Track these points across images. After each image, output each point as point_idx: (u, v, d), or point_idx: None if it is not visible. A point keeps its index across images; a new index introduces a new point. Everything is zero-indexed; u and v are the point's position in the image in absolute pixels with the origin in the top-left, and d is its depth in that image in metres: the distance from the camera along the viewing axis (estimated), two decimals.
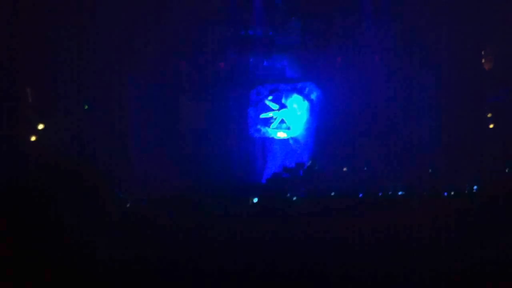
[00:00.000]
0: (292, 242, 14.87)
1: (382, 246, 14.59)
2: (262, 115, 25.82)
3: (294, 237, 15.19)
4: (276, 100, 25.96)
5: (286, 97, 25.93)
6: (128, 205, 18.68)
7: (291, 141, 25.67)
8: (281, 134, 25.86)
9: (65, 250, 11.69)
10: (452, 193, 19.46)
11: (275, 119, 25.78)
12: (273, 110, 25.80)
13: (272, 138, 25.83)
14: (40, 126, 23.39)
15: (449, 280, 12.44)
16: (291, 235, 15.27)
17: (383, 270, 13.13)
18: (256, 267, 13.12)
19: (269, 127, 25.77)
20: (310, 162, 24.40)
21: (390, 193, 19.97)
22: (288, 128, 25.80)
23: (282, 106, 25.87)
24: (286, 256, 13.78)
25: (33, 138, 23.16)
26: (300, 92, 25.81)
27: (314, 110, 25.68)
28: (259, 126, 25.86)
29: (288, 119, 25.85)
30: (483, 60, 25.08)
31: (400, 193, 20.06)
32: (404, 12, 24.57)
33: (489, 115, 24.70)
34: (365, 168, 23.71)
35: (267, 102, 25.78)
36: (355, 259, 13.67)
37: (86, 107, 24.14)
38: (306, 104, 25.76)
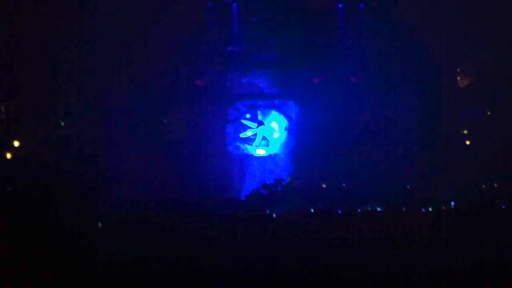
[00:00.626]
0: (272, 259, 14.87)
1: (361, 261, 14.67)
2: (242, 135, 25.86)
3: (274, 254, 15.20)
4: (254, 117, 26.03)
5: (264, 114, 26.01)
6: (100, 225, 18.50)
7: (268, 162, 25.74)
8: (260, 151, 25.89)
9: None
10: (430, 209, 19.59)
11: (256, 136, 25.84)
12: (250, 128, 25.86)
13: (251, 155, 25.88)
14: (16, 144, 23.26)
15: None
16: (271, 252, 15.28)
17: (363, 284, 13.24)
18: (236, 284, 13.13)
19: (249, 144, 25.81)
20: (288, 178, 24.47)
21: (368, 209, 20.07)
22: (267, 145, 25.87)
23: (260, 123, 25.93)
24: (266, 273, 13.80)
25: (8, 156, 23.02)
26: (278, 108, 25.91)
27: (293, 126, 25.80)
28: (238, 143, 25.89)
29: (267, 136, 25.93)
30: (458, 78, 25.44)
31: (378, 209, 20.16)
32: (381, 30, 24.88)
33: (464, 131, 25.03)
34: (344, 185, 23.86)
35: (244, 122, 25.82)
36: (336, 274, 13.76)
37: (62, 124, 24.05)
38: (284, 120, 25.87)
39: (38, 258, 11.28)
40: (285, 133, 25.83)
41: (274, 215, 19.75)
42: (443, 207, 20.35)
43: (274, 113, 25.96)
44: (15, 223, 12.19)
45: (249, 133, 25.87)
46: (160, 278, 12.62)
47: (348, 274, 13.63)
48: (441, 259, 14.33)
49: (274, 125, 25.95)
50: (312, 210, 20.12)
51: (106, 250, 13.03)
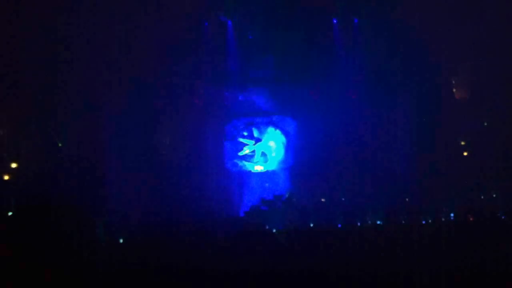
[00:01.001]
0: (272, 274, 14.89)
1: (362, 275, 14.69)
2: (240, 153, 25.90)
3: (274, 269, 15.21)
4: (252, 134, 26.08)
5: (262, 131, 26.05)
6: (103, 244, 18.51)
7: (266, 184, 25.75)
8: (259, 168, 25.91)
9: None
10: (430, 220, 19.65)
11: (254, 153, 25.87)
12: (247, 145, 25.91)
13: (250, 172, 25.89)
14: (14, 165, 23.28)
15: None
16: (272, 267, 15.29)
17: None
18: None
19: (248, 161, 25.84)
20: (288, 194, 24.47)
21: (369, 222, 20.11)
22: (266, 161, 25.90)
23: (258, 139, 25.97)
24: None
25: (6, 177, 23.03)
26: (276, 125, 25.97)
27: (291, 142, 25.85)
28: (236, 160, 25.92)
29: (265, 152, 25.97)
30: (454, 90, 25.57)
31: (378, 222, 20.20)
32: (376, 44, 24.99)
33: (462, 143, 25.09)
34: (343, 199, 23.86)
35: (241, 140, 25.87)
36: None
37: (60, 144, 24.06)
38: (282, 137, 25.92)
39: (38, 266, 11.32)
40: (283, 149, 25.86)
41: (274, 231, 19.78)
42: (443, 219, 20.41)
43: (271, 130, 26.01)
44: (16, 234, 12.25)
45: (246, 150, 25.91)
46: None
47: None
48: (441, 270, 14.35)
49: (272, 141, 25.99)
50: (311, 225, 20.15)
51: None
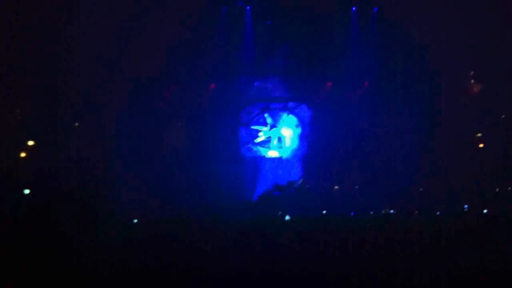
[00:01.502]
0: (284, 261, 14.90)
1: (373, 265, 14.66)
2: (256, 140, 25.95)
3: (286, 256, 15.22)
4: (266, 120, 26.13)
5: (277, 117, 26.10)
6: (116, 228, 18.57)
7: (281, 164, 25.81)
8: (273, 153, 25.98)
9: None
10: (443, 212, 19.58)
11: (270, 139, 25.94)
12: (262, 129, 25.96)
13: (264, 157, 25.97)
14: (30, 143, 23.43)
15: None
16: (283, 254, 15.30)
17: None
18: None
19: (263, 147, 25.91)
20: (301, 180, 24.52)
21: (382, 211, 20.09)
22: (280, 147, 25.97)
23: (273, 125, 26.03)
24: (278, 275, 13.81)
25: (23, 154, 23.17)
26: (291, 111, 26.01)
27: (305, 129, 25.87)
28: (250, 145, 26.00)
29: (280, 138, 26.03)
30: (469, 84, 25.43)
31: (391, 211, 20.18)
32: (394, 35, 24.89)
33: (478, 135, 24.97)
34: (356, 187, 23.89)
35: (255, 127, 25.91)
36: (347, 278, 13.73)
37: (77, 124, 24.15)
38: (296, 123, 25.95)
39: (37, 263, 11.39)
40: (297, 136, 25.90)
41: (287, 217, 19.80)
42: (457, 211, 20.34)
43: (286, 116, 26.04)
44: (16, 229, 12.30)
45: (262, 137, 25.97)
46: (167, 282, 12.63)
47: (358, 277, 13.59)
48: (452, 265, 14.28)
49: (286, 128, 26.03)
50: (324, 212, 20.16)
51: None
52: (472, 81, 25.16)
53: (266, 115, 26.02)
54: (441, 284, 12.74)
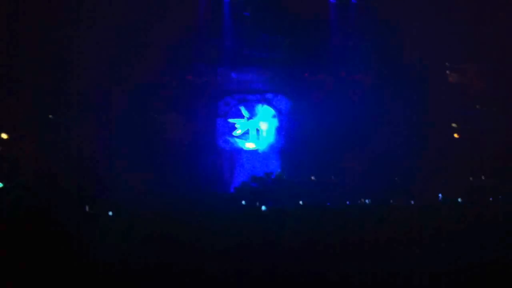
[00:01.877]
0: (260, 253, 14.90)
1: (348, 254, 14.69)
2: (234, 133, 25.91)
3: (263, 247, 15.22)
4: (244, 111, 26.11)
5: (254, 108, 26.08)
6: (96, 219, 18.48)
7: (257, 156, 25.80)
8: (250, 145, 25.97)
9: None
10: (420, 203, 19.69)
11: (247, 131, 25.93)
12: (240, 124, 25.94)
13: (241, 149, 25.94)
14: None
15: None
16: (260, 245, 15.31)
17: (351, 278, 13.25)
18: (223, 279, 13.11)
19: (241, 139, 25.88)
20: (278, 172, 24.56)
21: (358, 201, 20.18)
22: (257, 139, 25.96)
23: (250, 117, 26.01)
24: (256, 265, 13.81)
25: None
26: (268, 102, 26.00)
27: (283, 121, 25.88)
28: (227, 137, 25.96)
29: (257, 130, 26.02)
30: (451, 74, 25.58)
31: (367, 201, 20.27)
32: (374, 26, 24.97)
33: (453, 125, 25.15)
34: (332, 177, 23.96)
35: (232, 120, 25.87)
36: (324, 268, 13.76)
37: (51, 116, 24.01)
38: (275, 114, 25.96)
39: (36, 258, 11.33)
40: (275, 128, 25.91)
41: (264, 208, 19.82)
42: (438, 202, 20.45)
43: (264, 108, 26.04)
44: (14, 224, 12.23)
45: (239, 131, 25.95)
46: (152, 276, 12.58)
47: (340, 271, 13.59)
48: (437, 257, 14.31)
49: (263, 120, 26.03)
50: (301, 203, 20.21)
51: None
52: (463, 72, 25.36)
53: (241, 107, 25.98)
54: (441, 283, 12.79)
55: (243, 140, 25.94)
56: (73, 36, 23.37)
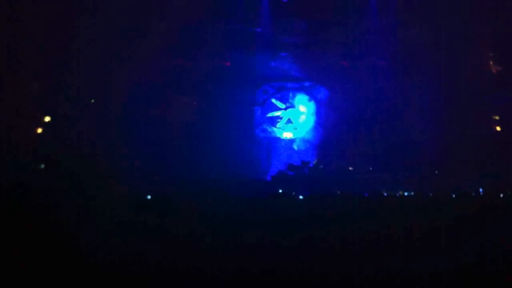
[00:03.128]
0: (296, 241, 14.76)
1: (386, 247, 14.48)
2: (269, 114, 25.74)
3: (299, 236, 15.09)
4: (283, 100, 25.91)
5: (293, 97, 25.87)
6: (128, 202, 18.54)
7: (295, 145, 25.62)
8: (288, 134, 25.79)
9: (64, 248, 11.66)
10: (459, 194, 19.31)
11: (282, 118, 25.74)
12: (279, 109, 25.76)
13: (278, 138, 25.79)
14: (47, 119, 23.39)
15: (452, 280, 12.34)
16: (296, 234, 15.17)
17: (386, 271, 13.03)
18: (258, 267, 13.00)
19: (275, 126, 25.70)
20: (315, 161, 24.36)
21: (397, 194, 19.88)
22: (295, 128, 25.76)
23: (289, 105, 25.82)
24: (290, 255, 13.68)
25: (39, 130, 23.15)
26: (307, 91, 25.76)
27: (321, 109, 25.65)
28: (265, 126, 25.81)
29: (295, 119, 25.81)
30: (485, 63, 25.04)
31: (406, 193, 19.96)
32: (407, 17, 24.58)
33: (496, 117, 24.64)
34: (371, 168, 23.71)
35: (273, 101, 25.70)
36: (359, 260, 13.57)
37: (93, 100, 24.05)
38: (312, 103, 25.73)
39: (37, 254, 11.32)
40: (313, 117, 25.69)
41: (301, 197, 19.68)
42: (473, 194, 20.07)
43: (302, 96, 25.81)
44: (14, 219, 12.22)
45: (277, 113, 25.76)
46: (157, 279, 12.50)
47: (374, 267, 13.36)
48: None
49: (302, 108, 25.80)
50: (338, 193, 19.99)
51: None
52: (490, 59, 24.80)
53: (274, 100, 25.71)
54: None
55: (281, 130, 25.77)
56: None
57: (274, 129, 25.81)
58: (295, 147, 25.66)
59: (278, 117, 25.83)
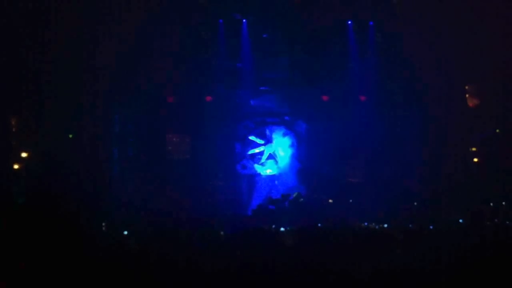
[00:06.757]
0: (278, 273, 14.78)
1: (368, 279, 14.53)
2: (250, 151, 25.81)
3: (281, 268, 15.10)
4: (263, 135, 25.98)
5: (272, 131, 25.96)
6: (110, 240, 18.48)
7: (275, 179, 25.68)
8: (268, 171, 25.81)
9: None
10: (438, 226, 19.48)
11: (263, 153, 25.80)
12: (259, 145, 25.83)
13: (259, 174, 25.81)
14: (24, 155, 23.31)
15: None
16: (278, 266, 15.19)
17: None
18: None
19: (256, 162, 25.73)
20: (295, 194, 24.39)
21: (376, 226, 20.00)
22: (276, 163, 25.80)
23: (268, 140, 25.87)
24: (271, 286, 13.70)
25: (16, 166, 23.05)
26: (287, 125, 25.89)
27: (301, 144, 25.78)
28: (245, 162, 25.81)
29: (275, 154, 25.87)
30: (467, 97, 25.40)
31: (385, 225, 20.08)
32: (390, 50, 24.93)
33: (473, 149, 24.94)
34: (350, 201, 23.82)
35: (251, 138, 25.77)
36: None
37: (71, 136, 24.04)
38: (292, 138, 25.85)
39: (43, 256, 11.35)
40: (293, 151, 25.80)
41: (282, 229, 19.72)
42: (452, 226, 20.24)
43: (282, 131, 25.93)
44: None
45: (256, 150, 25.84)
46: None
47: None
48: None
49: (282, 142, 25.91)
50: (319, 225, 20.06)
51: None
52: (469, 93, 25.18)
53: (252, 137, 25.78)
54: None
55: (261, 166, 25.80)
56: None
57: (256, 165, 25.82)
58: (276, 181, 25.71)
59: (260, 153, 25.87)
